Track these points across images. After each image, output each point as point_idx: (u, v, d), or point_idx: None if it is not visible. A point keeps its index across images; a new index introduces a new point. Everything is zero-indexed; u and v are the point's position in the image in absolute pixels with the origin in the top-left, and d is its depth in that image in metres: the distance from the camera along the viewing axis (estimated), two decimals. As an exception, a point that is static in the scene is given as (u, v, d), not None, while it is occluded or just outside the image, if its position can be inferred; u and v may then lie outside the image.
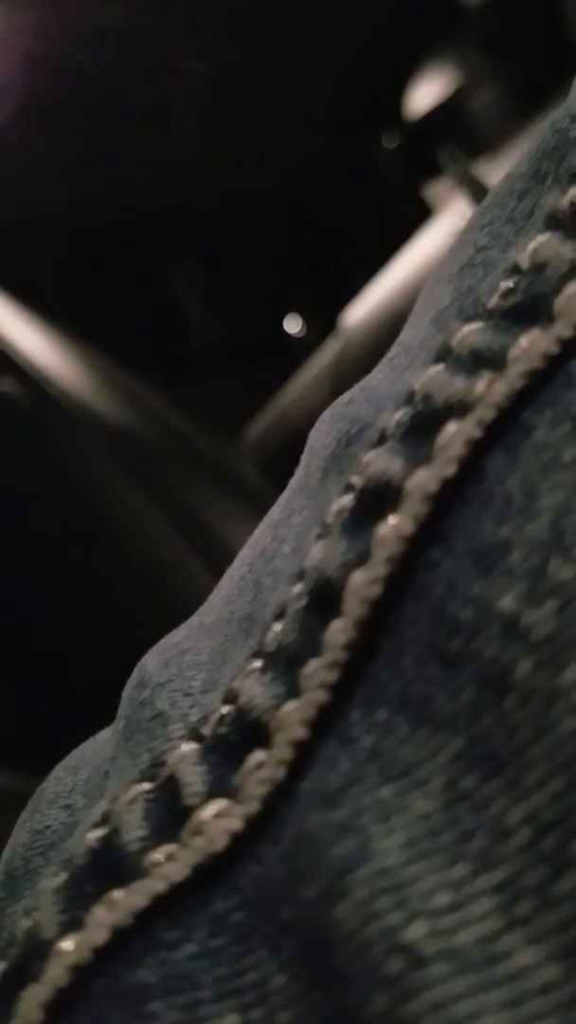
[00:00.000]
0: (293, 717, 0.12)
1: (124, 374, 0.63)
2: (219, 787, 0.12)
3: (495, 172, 0.59)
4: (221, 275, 0.78)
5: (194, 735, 0.13)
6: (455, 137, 0.66)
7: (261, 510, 0.17)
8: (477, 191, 0.56)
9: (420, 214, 0.68)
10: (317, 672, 0.12)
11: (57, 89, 0.65)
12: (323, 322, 0.70)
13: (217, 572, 0.17)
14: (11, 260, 0.68)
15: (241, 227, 0.75)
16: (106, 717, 0.16)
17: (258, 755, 0.12)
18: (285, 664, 0.12)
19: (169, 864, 0.12)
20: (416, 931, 0.09)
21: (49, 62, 0.63)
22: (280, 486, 0.17)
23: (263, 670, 0.13)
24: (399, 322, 0.17)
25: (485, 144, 0.66)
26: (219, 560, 0.18)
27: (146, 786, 0.13)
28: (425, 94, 0.69)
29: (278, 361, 0.71)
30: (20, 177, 0.69)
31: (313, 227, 0.77)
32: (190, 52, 0.66)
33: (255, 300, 0.78)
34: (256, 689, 0.13)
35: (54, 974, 0.11)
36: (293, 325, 0.76)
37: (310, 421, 0.16)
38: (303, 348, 0.70)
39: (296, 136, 0.73)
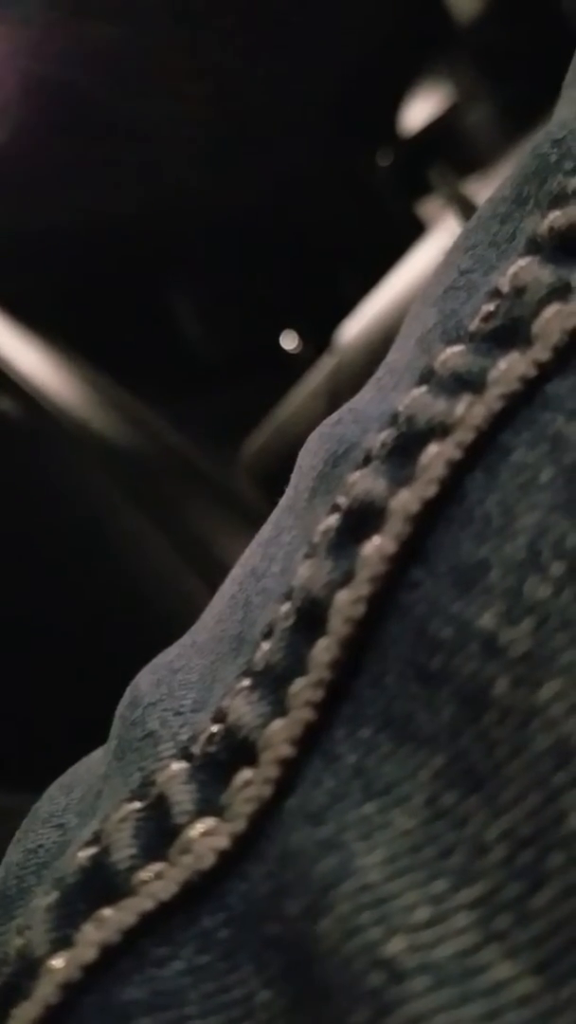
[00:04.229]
0: (279, 735, 0.12)
1: (120, 391, 0.63)
2: (207, 805, 0.12)
3: (486, 190, 0.59)
4: (218, 292, 0.79)
5: (184, 754, 0.13)
6: (448, 155, 0.67)
7: (257, 526, 0.17)
8: (467, 209, 0.57)
9: (415, 231, 0.68)
10: (303, 691, 0.12)
11: (55, 109, 0.66)
12: (319, 339, 0.70)
13: (214, 589, 0.17)
14: (8, 278, 0.68)
15: (237, 244, 0.76)
16: (103, 735, 0.16)
17: (245, 773, 0.12)
18: (272, 683, 0.13)
19: (157, 882, 0.12)
20: (396, 946, 0.10)
21: (47, 82, 0.64)
22: (276, 502, 0.17)
23: (251, 689, 0.13)
24: (393, 339, 0.17)
25: (478, 161, 0.66)
26: (216, 576, 0.18)
27: (136, 805, 0.13)
28: (419, 112, 0.70)
29: (274, 377, 0.71)
30: (18, 195, 0.69)
31: (309, 244, 0.77)
32: (189, 72, 0.66)
33: (251, 317, 0.79)
34: (244, 708, 0.13)
35: (44, 992, 0.12)
36: (289, 342, 0.76)
37: (306, 437, 0.16)
38: (299, 364, 0.71)
39: (292, 154, 0.73)
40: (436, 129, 0.69)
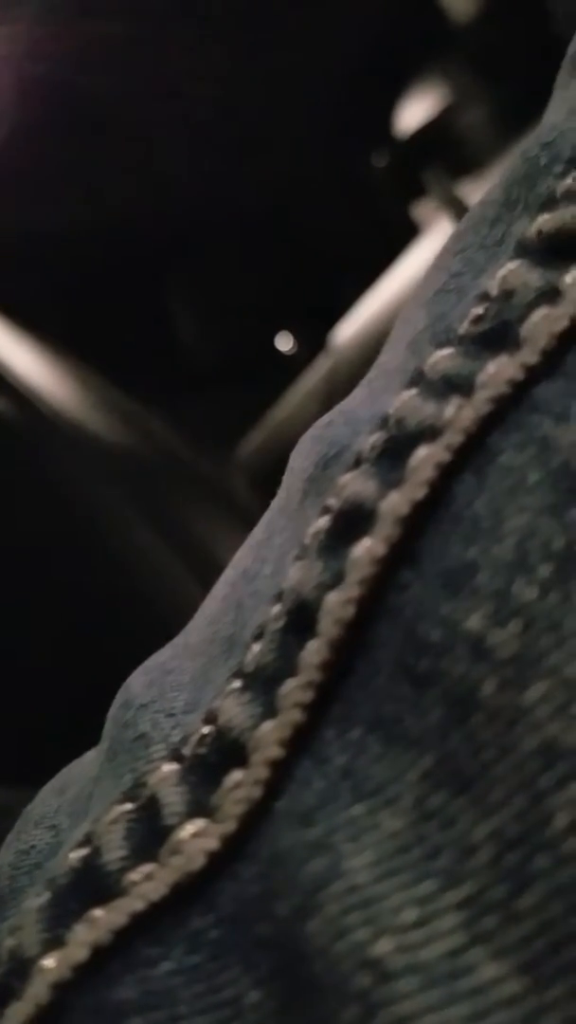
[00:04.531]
0: (270, 737, 0.12)
1: (117, 392, 0.63)
2: (198, 807, 0.12)
3: (480, 193, 0.59)
4: (213, 293, 0.79)
5: (175, 756, 0.13)
6: (443, 156, 0.67)
7: (252, 527, 0.17)
8: (461, 212, 0.57)
9: (410, 233, 0.68)
10: (293, 692, 0.12)
11: (55, 109, 0.66)
12: (315, 340, 0.70)
13: (209, 589, 0.17)
14: (5, 279, 0.68)
15: (234, 246, 0.76)
16: (97, 735, 0.16)
17: (236, 775, 0.12)
18: (263, 684, 0.13)
19: (147, 883, 0.12)
20: (384, 946, 0.10)
21: (47, 82, 0.64)
22: (271, 503, 0.17)
23: (242, 690, 0.13)
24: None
25: (473, 163, 0.67)
26: (211, 577, 0.18)
27: (128, 806, 0.13)
28: (414, 113, 0.70)
29: (270, 379, 0.71)
30: (15, 197, 0.69)
31: (305, 246, 0.78)
32: (188, 74, 0.66)
33: (247, 318, 0.79)
34: (235, 709, 0.13)
35: (35, 992, 0.12)
36: (285, 343, 0.76)
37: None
38: (295, 366, 0.71)
39: (289, 156, 0.74)
40: (431, 131, 0.69)
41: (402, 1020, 0.09)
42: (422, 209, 0.69)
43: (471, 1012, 0.09)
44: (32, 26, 0.61)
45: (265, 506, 0.17)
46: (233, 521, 0.59)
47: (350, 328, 0.68)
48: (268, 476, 0.66)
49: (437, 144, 0.68)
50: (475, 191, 0.62)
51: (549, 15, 0.66)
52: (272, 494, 0.17)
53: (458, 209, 0.58)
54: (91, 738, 0.17)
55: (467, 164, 0.67)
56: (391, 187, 0.71)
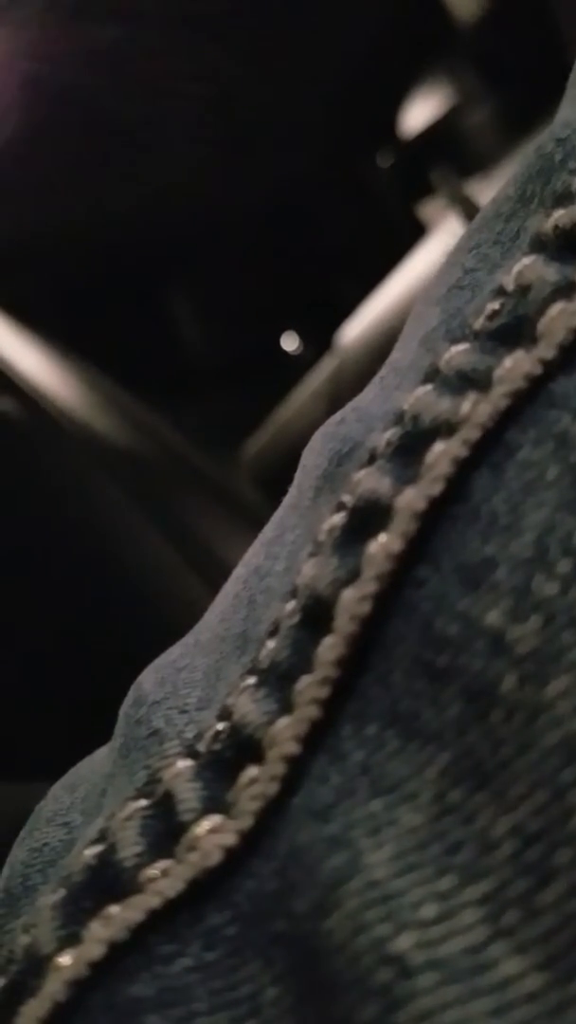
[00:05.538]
0: (285, 733, 0.12)
1: (121, 393, 0.63)
2: (213, 803, 0.12)
3: (487, 191, 0.59)
4: (218, 294, 0.79)
5: (189, 752, 0.13)
6: (448, 156, 0.67)
7: (258, 527, 0.17)
8: (470, 210, 0.57)
9: (415, 233, 0.68)
10: (309, 688, 0.12)
11: (55, 111, 0.66)
12: (320, 340, 0.70)
13: (215, 589, 0.17)
14: (8, 279, 0.68)
15: (238, 246, 0.76)
16: (105, 735, 0.16)
17: (251, 771, 0.12)
18: (278, 681, 0.13)
19: (164, 879, 0.12)
20: (404, 942, 0.10)
21: (47, 84, 0.64)
22: (277, 503, 0.17)
23: (256, 687, 0.13)
24: (394, 340, 0.17)
25: (478, 163, 0.67)
26: (217, 577, 0.18)
27: (142, 803, 0.13)
28: (419, 113, 0.70)
29: (275, 379, 0.71)
30: (17, 197, 0.69)
31: (310, 246, 0.78)
32: (189, 74, 0.66)
33: (252, 318, 0.79)
34: (250, 706, 0.13)
35: (52, 989, 0.12)
36: (290, 343, 0.76)
37: (307, 439, 0.16)
38: (300, 366, 0.71)
39: (292, 156, 0.74)
40: (437, 131, 0.69)
41: (423, 1016, 0.09)
42: (428, 209, 0.69)
43: (493, 1007, 0.09)
44: (32, 28, 0.61)
45: (270, 506, 0.17)
46: (238, 521, 0.59)
47: (356, 328, 0.68)
48: (274, 476, 0.66)
49: (442, 144, 0.68)
50: (482, 190, 0.62)
51: (553, 15, 0.66)
52: (277, 494, 0.17)
53: (466, 207, 0.58)
54: (95, 738, 0.17)
55: (472, 164, 0.67)
56: (397, 187, 0.71)
